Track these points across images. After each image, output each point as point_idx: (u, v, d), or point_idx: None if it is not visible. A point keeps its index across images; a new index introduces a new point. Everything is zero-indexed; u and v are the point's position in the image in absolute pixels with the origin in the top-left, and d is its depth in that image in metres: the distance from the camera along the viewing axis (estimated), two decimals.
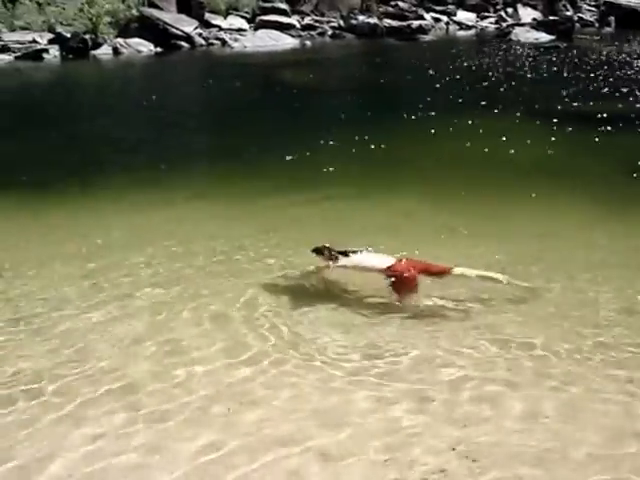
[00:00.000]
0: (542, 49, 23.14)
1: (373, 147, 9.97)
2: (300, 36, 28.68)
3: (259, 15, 29.83)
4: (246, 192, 8.03)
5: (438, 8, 34.21)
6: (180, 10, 28.35)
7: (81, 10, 26.42)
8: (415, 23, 31.03)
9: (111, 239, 6.56)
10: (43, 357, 4.44)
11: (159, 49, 25.36)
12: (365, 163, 9.38)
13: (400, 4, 33.41)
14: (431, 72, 17.84)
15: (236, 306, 5.07)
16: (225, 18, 29.52)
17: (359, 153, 9.79)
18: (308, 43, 27.14)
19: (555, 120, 11.15)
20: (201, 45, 26.50)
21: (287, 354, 4.38)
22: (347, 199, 7.60)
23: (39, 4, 27.77)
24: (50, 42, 25.26)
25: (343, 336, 4.60)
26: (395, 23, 31.08)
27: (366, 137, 10.39)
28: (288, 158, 9.38)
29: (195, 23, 27.92)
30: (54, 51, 24.67)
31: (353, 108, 14.12)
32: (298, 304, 5.06)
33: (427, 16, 32.76)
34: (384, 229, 6.49)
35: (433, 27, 31.96)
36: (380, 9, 32.43)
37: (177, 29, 26.30)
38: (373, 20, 30.77)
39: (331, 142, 10.27)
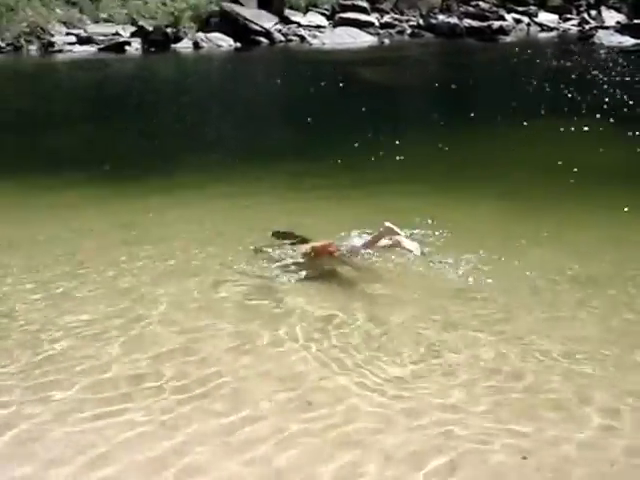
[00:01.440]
0: (627, 53, 22.48)
1: (447, 148, 9.75)
2: (379, 34, 28.50)
3: (338, 12, 29.75)
4: (325, 187, 7.92)
5: (519, 9, 33.54)
6: (260, 6, 28.47)
7: (164, 4, 26.78)
8: (496, 24, 30.50)
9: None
10: None
11: (238, 44, 25.52)
12: (439, 164, 9.15)
13: (481, 4, 32.94)
14: (510, 74, 17.51)
15: None
16: (304, 15, 29.55)
17: (433, 154, 9.60)
18: (386, 41, 26.97)
19: None
20: (280, 41, 26.57)
21: None
22: (420, 198, 7.40)
23: None
24: (132, 35, 25.69)
25: None
26: (475, 23, 30.58)
27: (440, 138, 10.20)
28: (359, 155, 9.24)
29: (275, 19, 28.02)
30: (136, 44, 25.06)
31: (430, 108, 13.96)
32: None
33: (508, 17, 32.16)
34: (457, 232, 6.21)
35: (514, 28, 31.37)
36: (460, 9, 32.01)
37: (257, 25, 26.42)
38: (453, 20, 30.37)
39: (405, 141, 10.09)
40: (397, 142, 9.99)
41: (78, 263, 5.61)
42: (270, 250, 5.74)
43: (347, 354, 4.10)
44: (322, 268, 5.52)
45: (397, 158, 9.03)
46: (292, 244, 5.82)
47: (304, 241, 5.81)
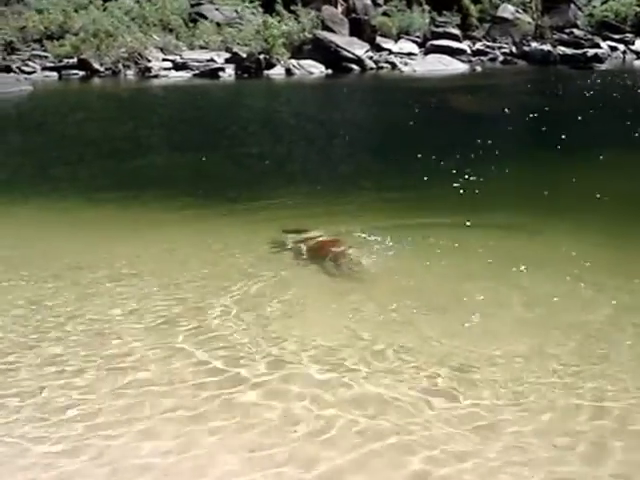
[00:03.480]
0: None
1: (540, 176, 9.53)
2: (471, 61, 28.35)
3: (430, 39, 29.75)
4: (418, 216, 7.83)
5: (615, 37, 32.93)
6: (352, 33, 28.77)
7: (257, 32, 27.24)
8: (590, 51, 29.97)
9: None
10: None
11: (330, 71, 25.73)
12: (532, 192, 8.93)
13: (575, 32, 32.50)
14: (605, 102, 17.13)
15: None
16: (396, 42, 29.68)
17: (528, 181, 9.41)
18: (479, 68, 26.76)
19: None
20: (371, 68, 26.68)
21: None
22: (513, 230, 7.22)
23: (218, 25, 28.93)
24: (226, 61, 26.22)
25: None
26: (569, 51, 30.13)
27: (536, 165, 10.00)
28: (453, 184, 9.12)
29: (366, 46, 28.20)
30: (230, 70, 25.56)
31: (523, 135, 13.70)
32: None
33: (603, 44, 31.58)
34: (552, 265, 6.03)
35: (609, 56, 30.77)
36: (554, 36, 31.61)
37: (348, 52, 26.61)
38: (546, 47, 30.00)
39: (497, 167, 9.93)
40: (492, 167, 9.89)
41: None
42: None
43: None
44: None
45: (477, 184, 8.92)
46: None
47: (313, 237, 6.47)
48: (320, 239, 6.43)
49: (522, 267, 5.76)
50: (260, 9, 30.07)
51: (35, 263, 6.43)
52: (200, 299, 5.31)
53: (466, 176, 9.20)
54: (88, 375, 4.17)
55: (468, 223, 7.19)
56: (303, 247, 6.35)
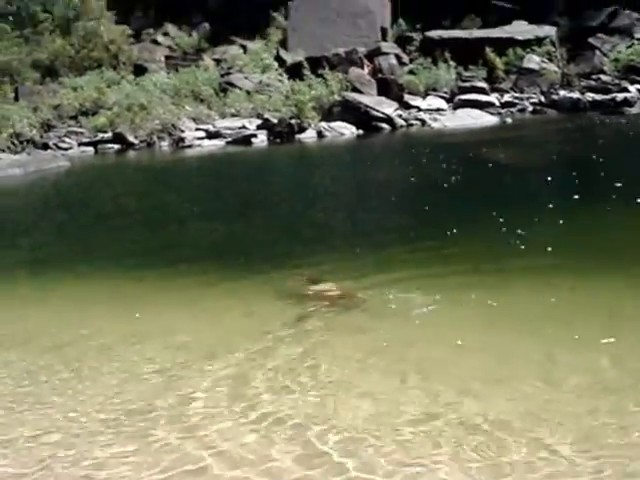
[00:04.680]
0: None
1: (590, 230, 9.42)
2: (500, 113, 28.39)
3: (458, 94, 29.92)
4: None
5: None
6: (380, 93, 29.03)
7: (287, 97, 27.62)
8: (619, 96, 29.82)
9: None
10: None
11: (361, 131, 25.94)
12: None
13: (602, 77, 32.40)
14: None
15: None
16: (424, 99, 29.87)
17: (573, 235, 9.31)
18: (509, 120, 26.77)
19: None
20: (401, 126, 26.83)
21: None
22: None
23: (248, 92, 29.38)
24: (258, 127, 26.56)
25: None
26: (598, 97, 30.00)
27: (576, 220, 9.88)
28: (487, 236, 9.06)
29: (395, 105, 28.43)
30: (262, 136, 25.88)
31: (561, 188, 13.58)
32: None
33: (632, 88, 31.40)
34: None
35: (639, 99, 30.64)
36: (582, 83, 31.57)
37: (378, 111, 26.83)
38: (575, 95, 29.95)
39: (537, 222, 9.84)
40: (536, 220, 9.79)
41: None
42: None
43: None
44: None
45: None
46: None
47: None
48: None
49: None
50: (287, 75, 30.50)
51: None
52: None
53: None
54: None
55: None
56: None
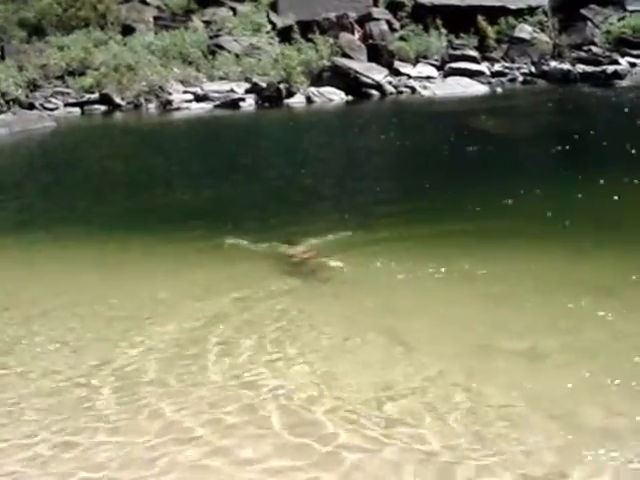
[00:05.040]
0: None
1: (577, 201, 9.40)
2: (490, 83, 28.25)
3: (448, 62, 29.73)
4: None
5: (634, 52, 32.72)
6: (370, 59, 28.82)
7: (276, 61, 27.38)
8: (610, 68, 29.71)
9: None
10: None
11: (350, 97, 25.75)
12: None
13: (593, 49, 32.27)
14: (631, 120, 16.94)
15: None
16: (414, 66, 29.68)
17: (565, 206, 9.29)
18: (499, 89, 26.67)
19: None
20: (391, 93, 26.66)
21: None
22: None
23: (237, 56, 29.10)
24: (247, 91, 26.33)
25: None
26: (589, 68, 29.89)
27: (568, 190, 9.86)
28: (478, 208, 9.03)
29: (385, 71, 28.24)
30: (250, 100, 25.66)
31: (551, 158, 13.54)
32: None
33: (622, 61, 31.33)
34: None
35: (629, 72, 30.52)
36: (572, 54, 31.44)
37: (367, 77, 26.65)
38: (565, 66, 29.81)
39: (535, 191, 9.83)
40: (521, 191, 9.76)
41: None
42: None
43: None
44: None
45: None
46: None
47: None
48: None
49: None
50: (277, 38, 30.17)
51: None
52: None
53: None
54: None
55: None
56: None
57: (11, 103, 26.01)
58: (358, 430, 4.10)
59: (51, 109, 26.31)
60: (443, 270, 6.72)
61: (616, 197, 9.08)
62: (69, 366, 5.16)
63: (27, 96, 27.27)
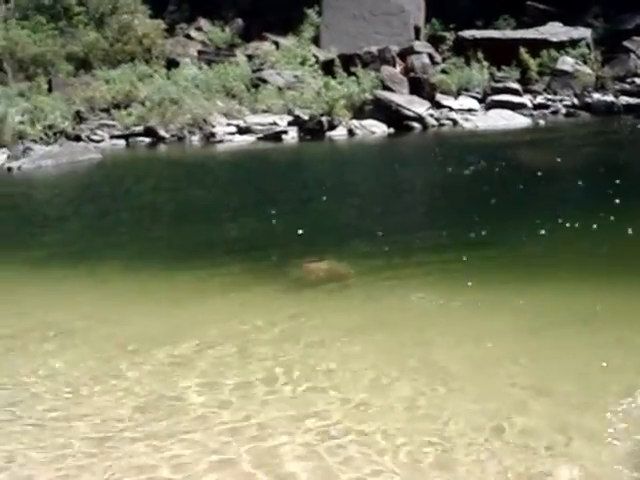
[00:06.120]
0: None
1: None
2: (532, 115, 28.10)
3: (490, 95, 29.68)
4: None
5: None
6: (412, 92, 28.88)
7: (318, 94, 27.55)
8: None
9: None
10: None
11: (392, 130, 25.77)
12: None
13: (637, 81, 32.01)
14: None
15: None
16: (456, 99, 29.64)
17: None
18: (541, 122, 26.50)
19: None
20: (432, 125, 26.65)
21: None
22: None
23: (279, 89, 29.36)
24: (289, 124, 26.51)
25: None
26: (632, 100, 29.64)
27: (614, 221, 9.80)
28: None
29: (427, 104, 28.24)
30: (292, 132, 25.81)
31: (599, 190, 13.43)
32: None
33: None
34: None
35: None
36: (616, 86, 31.21)
37: (409, 110, 26.67)
38: (609, 98, 29.60)
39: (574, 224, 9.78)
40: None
41: None
42: None
43: None
44: None
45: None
46: None
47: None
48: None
49: None
50: (320, 72, 30.38)
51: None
52: None
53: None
54: None
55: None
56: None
57: (58, 135, 26.47)
58: None
59: (97, 141, 26.74)
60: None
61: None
62: None
63: (73, 128, 27.73)
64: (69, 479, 4.27)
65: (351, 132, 25.64)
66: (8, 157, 22.45)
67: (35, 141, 24.49)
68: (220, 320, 7.03)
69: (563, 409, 4.83)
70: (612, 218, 10.08)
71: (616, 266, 8.10)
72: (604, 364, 5.43)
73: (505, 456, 4.25)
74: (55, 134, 26.35)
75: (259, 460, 4.36)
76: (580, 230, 9.66)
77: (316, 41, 35.09)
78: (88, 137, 27.10)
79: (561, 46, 32.67)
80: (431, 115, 27.49)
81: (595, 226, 9.77)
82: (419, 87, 29.23)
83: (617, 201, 11.10)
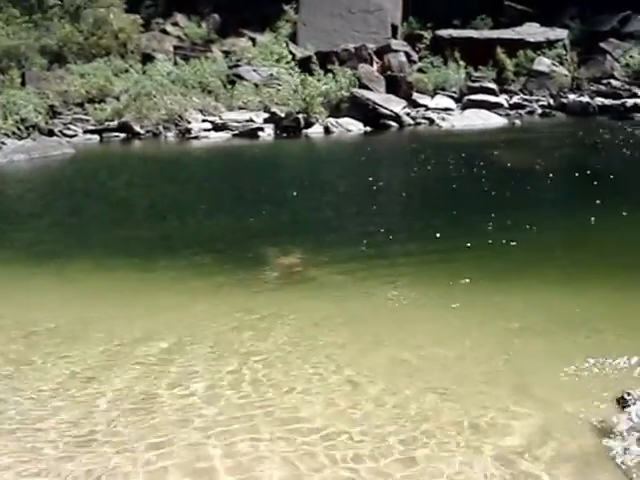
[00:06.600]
0: None
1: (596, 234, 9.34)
2: (508, 115, 28.19)
3: (466, 94, 29.73)
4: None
5: None
6: (389, 90, 28.85)
7: (295, 91, 27.42)
8: (629, 101, 29.61)
9: None
10: None
11: (368, 128, 25.72)
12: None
13: (613, 82, 32.21)
14: None
15: None
16: (432, 98, 29.71)
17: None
18: (517, 122, 26.53)
19: None
20: (409, 124, 26.64)
21: None
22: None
23: (256, 85, 29.22)
24: (265, 121, 26.39)
25: None
26: (608, 101, 29.81)
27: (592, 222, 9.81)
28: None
29: (403, 103, 28.25)
30: (269, 129, 25.70)
31: (572, 192, 13.46)
32: None
33: None
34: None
35: None
36: (592, 87, 31.40)
37: (386, 108, 26.64)
38: (584, 99, 29.76)
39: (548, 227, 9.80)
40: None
41: None
42: None
43: None
44: None
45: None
46: None
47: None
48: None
49: None
50: (297, 69, 30.24)
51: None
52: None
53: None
54: None
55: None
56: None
57: (31, 129, 26.15)
58: None
59: (70, 136, 26.45)
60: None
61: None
62: None
63: (47, 122, 27.43)
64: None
65: (327, 130, 25.55)
66: None
67: (7, 135, 24.16)
68: (191, 318, 6.91)
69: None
70: (592, 219, 10.07)
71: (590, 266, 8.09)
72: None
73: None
74: (28, 128, 26.04)
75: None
76: (558, 230, 9.66)
77: (293, 38, 34.97)
78: (61, 132, 26.81)
79: (538, 47, 32.82)
80: (407, 114, 27.47)
81: (573, 225, 9.78)
82: (396, 85, 29.21)
83: (597, 202, 11.13)
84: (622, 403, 4.69)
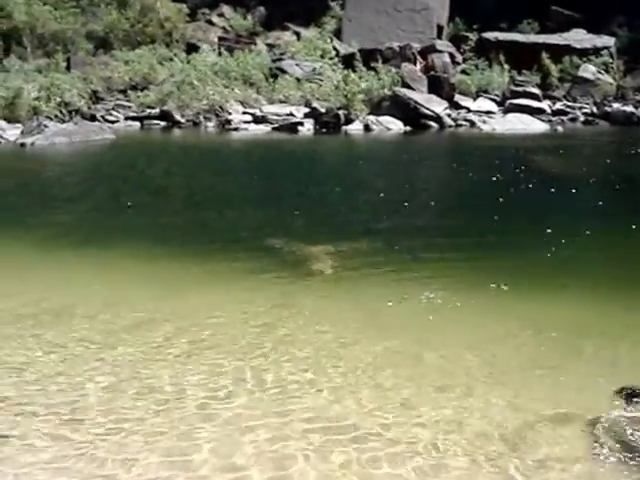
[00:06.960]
0: None
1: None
2: (550, 121, 27.90)
3: (509, 98, 29.49)
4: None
5: None
6: (431, 91, 28.73)
7: (337, 87, 27.39)
8: None
9: None
10: None
11: (408, 128, 25.60)
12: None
13: None
14: None
15: None
16: (474, 100, 29.54)
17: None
18: (559, 129, 26.23)
19: None
20: (449, 126, 26.48)
21: None
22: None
23: (298, 80, 29.24)
24: (305, 116, 26.39)
25: None
26: None
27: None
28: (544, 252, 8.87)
29: (445, 104, 28.13)
30: (308, 124, 25.68)
31: (615, 201, 13.27)
32: None
33: None
34: None
35: None
36: (636, 97, 31.00)
37: (427, 109, 26.50)
38: (629, 108, 29.37)
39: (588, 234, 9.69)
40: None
41: None
42: None
43: None
44: None
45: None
46: None
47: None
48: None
49: None
50: (340, 65, 30.22)
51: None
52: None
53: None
54: None
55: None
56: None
57: (73, 113, 26.42)
58: None
59: (112, 121, 26.71)
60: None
61: None
62: None
63: (89, 107, 27.73)
64: None
65: (367, 127, 25.48)
66: (22, 132, 22.37)
67: (50, 118, 24.38)
68: (222, 308, 6.92)
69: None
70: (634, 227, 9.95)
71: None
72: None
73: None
74: (70, 112, 26.32)
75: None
76: (602, 239, 9.55)
77: (338, 34, 34.98)
78: (103, 117, 27.08)
79: (584, 53, 32.47)
80: (449, 115, 27.34)
81: (617, 235, 9.67)
82: (438, 86, 29.09)
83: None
84: None
